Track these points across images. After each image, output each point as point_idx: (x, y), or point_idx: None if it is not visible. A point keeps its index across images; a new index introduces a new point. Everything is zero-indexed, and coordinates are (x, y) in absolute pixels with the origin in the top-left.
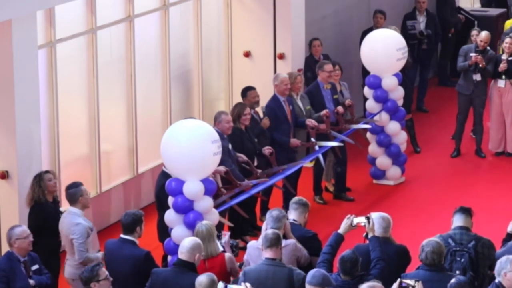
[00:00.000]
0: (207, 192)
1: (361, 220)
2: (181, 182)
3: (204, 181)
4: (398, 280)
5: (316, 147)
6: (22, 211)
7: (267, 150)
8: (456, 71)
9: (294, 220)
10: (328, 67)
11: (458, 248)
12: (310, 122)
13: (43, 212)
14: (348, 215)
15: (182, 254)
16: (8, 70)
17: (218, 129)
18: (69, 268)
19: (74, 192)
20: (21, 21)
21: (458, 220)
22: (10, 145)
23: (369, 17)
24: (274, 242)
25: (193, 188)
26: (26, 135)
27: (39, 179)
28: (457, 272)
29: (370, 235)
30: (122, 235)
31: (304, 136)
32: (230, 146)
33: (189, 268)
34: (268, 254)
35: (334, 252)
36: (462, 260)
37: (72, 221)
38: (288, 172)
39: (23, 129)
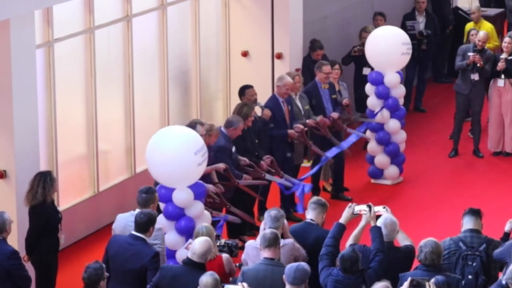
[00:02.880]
0: (197, 197)
1: (362, 208)
2: (170, 190)
3: (193, 186)
4: (409, 278)
5: (313, 147)
6: (20, 210)
7: (267, 159)
8: (453, 70)
9: (311, 220)
10: (326, 68)
11: (470, 252)
12: (297, 127)
13: (45, 212)
14: (349, 204)
15: (194, 256)
16: (6, 70)
17: (226, 132)
18: None
19: (150, 197)
20: (19, 21)
21: (468, 223)
22: (8, 145)
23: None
24: (272, 242)
25: (182, 196)
26: (24, 134)
27: (43, 179)
28: (470, 276)
29: (371, 224)
30: (133, 232)
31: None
32: (233, 148)
33: (199, 267)
34: (266, 253)
35: (337, 243)
36: (474, 264)
37: None
38: (286, 182)
39: (21, 129)
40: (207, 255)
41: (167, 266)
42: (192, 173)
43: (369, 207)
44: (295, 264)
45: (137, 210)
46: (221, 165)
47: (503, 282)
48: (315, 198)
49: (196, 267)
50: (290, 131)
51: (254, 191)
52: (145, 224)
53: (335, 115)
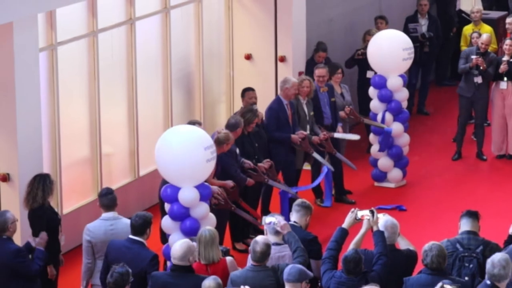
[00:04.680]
0: (202, 198)
1: (365, 213)
2: (176, 189)
3: (199, 187)
4: (439, 284)
5: (315, 154)
6: (23, 213)
7: (266, 163)
8: (457, 73)
9: (295, 222)
10: (318, 71)
11: (466, 253)
12: (301, 133)
13: (45, 215)
14: (352, 209)
15: (176, 260)
16: (9, 73)
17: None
18: None
19: (115, 197)
20: (22, 24)
21: (465, 225)
22: (11, 148)
23: None
24: (262, 259)
25: (188, 195)
26: (27, 137)
27: (42, 182)
28: (466, 278)
29: (374, 229)
30: (131, 236)
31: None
32: (237, 150)
33: (187, 271)
34: (253, 262)
35: (340, 247)
36: (471, 265)
37: (128, 223)
38: (286, 189)
39: (24, 132)
40: (188, 256)
41: (156, 273)
42: (200, 169)
43: (372, 212)
44: (291, 264)
45: (107, 214)
46: (230, 183)
47: (488, 282)
48: (299, 200)
49: (183, 271)
50: (293, 136)
51: (257, 192)
52: (141, 226)
53: (324, 136)
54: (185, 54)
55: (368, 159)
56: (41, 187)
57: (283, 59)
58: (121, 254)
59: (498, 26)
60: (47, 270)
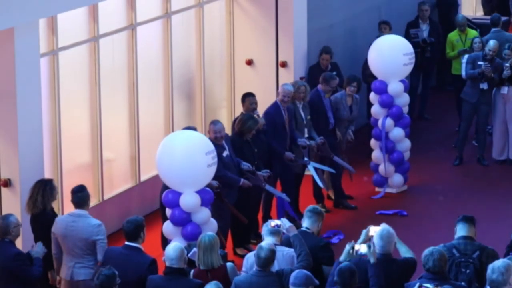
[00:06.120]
0: (204, 203)
1: (362, 247)
2: (177, 194)
3: (201, 192)
4: (417, 284)
5: (309, 167)
6: (25, 218)
7: (265, 174)
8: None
9: (307, 228)
10: (335, 83)
11: (463, 259)
12: (303, 141)
13: (47, 220)
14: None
15: (172, 262)
16: (10, 78)
17: (210, 136)
18: (88, 270)
19: (85, 195)
20: (23, 29)
21: (461, 230)
22: (12, 153)
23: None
24: (266, 264)
25: (189, 200)
26: (28, 143)
27: (43, 187)
28: (463, 283)
29: (371, 261)
30: (127, 243)
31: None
32: (225, 153)
33: (180, 274)
34: (258, 266)
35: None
36: (467, 271)
37: (92, 223)
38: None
39: (25, 137)
40: (183, 257)
41: (152, 277)
42: (201, 174)
43: (369, 247)
44: (298, 270)
45: (75, 210)
46: (214, 184)
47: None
48: (311, 206)
49: (177, 273)
50: (286, 155)
51: (258, 198)
52: (133, 231)
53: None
54: (186, 60)
55: (369, 165)
56: (41, 192)
57: (284, 65)
58: (119, 262)
59: None
60: (48, 276)
